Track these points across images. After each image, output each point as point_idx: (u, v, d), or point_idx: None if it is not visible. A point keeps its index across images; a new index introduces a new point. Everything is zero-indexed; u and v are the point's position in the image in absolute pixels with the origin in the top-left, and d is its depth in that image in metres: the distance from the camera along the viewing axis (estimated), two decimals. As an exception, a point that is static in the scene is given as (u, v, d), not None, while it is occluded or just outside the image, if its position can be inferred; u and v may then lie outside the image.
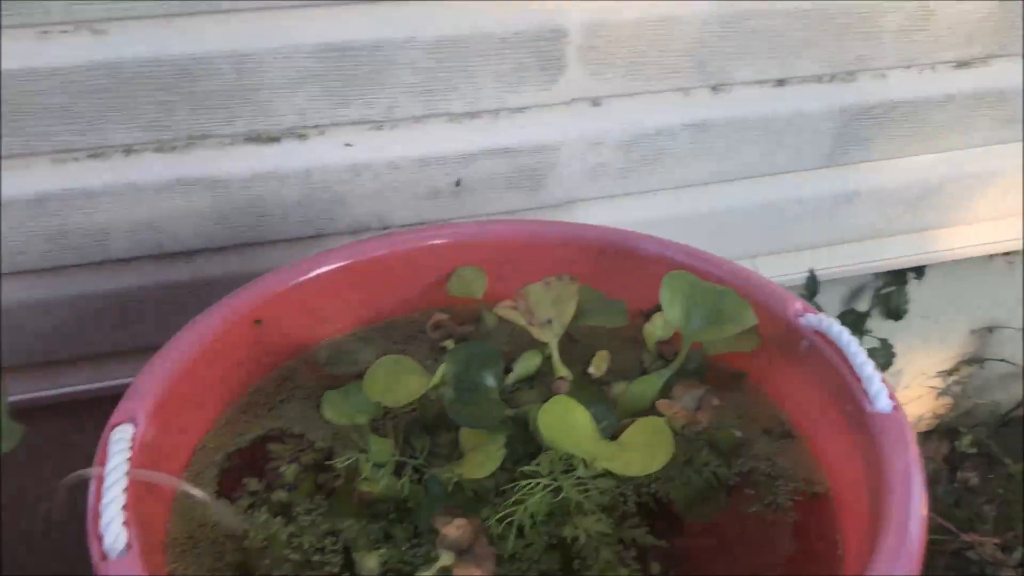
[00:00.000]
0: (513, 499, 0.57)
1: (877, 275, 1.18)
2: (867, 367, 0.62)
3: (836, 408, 0.64)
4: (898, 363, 1.25)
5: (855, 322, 1.17)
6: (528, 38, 0.84)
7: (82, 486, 0.55)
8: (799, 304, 0.69)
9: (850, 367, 0.63)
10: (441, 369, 0.62)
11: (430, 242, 0.75)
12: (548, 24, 0.84)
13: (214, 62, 0.78)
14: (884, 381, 0.61)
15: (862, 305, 1.20)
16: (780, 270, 1.07)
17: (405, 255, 0.75)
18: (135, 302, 0.87)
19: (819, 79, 0.97)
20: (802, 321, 0.68)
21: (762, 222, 1.03)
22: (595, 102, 0.91)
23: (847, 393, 0.62)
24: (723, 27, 0.89)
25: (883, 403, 0.60)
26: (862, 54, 0.96)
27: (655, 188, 0.98)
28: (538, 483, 0.57)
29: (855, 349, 0.63)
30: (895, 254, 1.13)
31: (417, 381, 0.62)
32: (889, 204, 1.07)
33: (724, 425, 0.68)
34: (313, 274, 0.72)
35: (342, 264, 0.73)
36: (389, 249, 0.74)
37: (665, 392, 0.66)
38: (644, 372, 0.71)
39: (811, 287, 1.05)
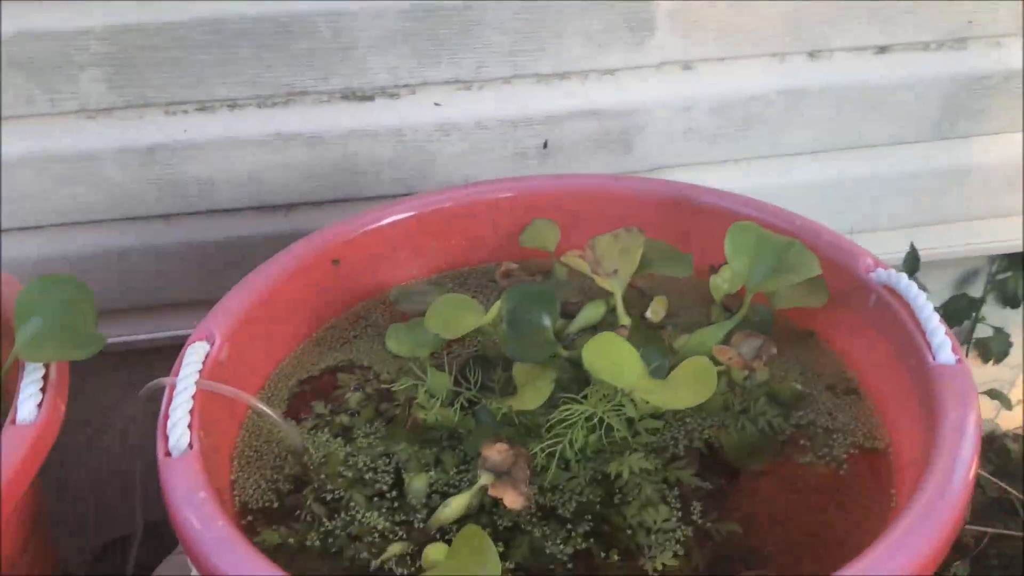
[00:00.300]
0: (551, 423, 0.58)
1: (992, 258, 1.12)
2: (932, 319, 0.60)
3: (901, 363, 0.62)
4: (1017, 355, 1.18)
5: (966, 308, 1.12)
6: (617, -1, 0.85)
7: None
8: (870, 259, 0.67)
9: (916, 321, 0.61)
10: (496, 306, 0.64)
11: (501, 195, 0.77)
12: (637, -15, 0.85)
13: (312, 20, 0.82)
14: (948, 335, 0.59)
15: (975, 290, 1.14)
16: (882, 248, 1.03)
17: (476, 206, 0.77)
18: (238, 251, 0.92)
19: (925, 46, 0.94)
20: (872, 276, 0.66)
21: (862, 196, 1.00)
22: (686, 65, 0.91)
23: (912, 347, 0.61)
24: (819, -10, 0.88)
25: (946, 355, 0.58)
26: (973, 20, 0.92)
27: (748, 156, 0.97)
28: (578, 411, 0.58)
29: (922, 302, 0.61)
30: (1012, 236, 1.07)
31: (473, 316, 0.64)
32: (1004, 181, 1.02)
33: (786, 379, 0.67)
34: (388, 220, 0.75)
35: (414, 213, 0.76)
36: (460, 200, 0.77)
37: (725, 342, 0.66)
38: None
39: (911, 264, 1.01)
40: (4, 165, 0.83)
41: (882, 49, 0.93)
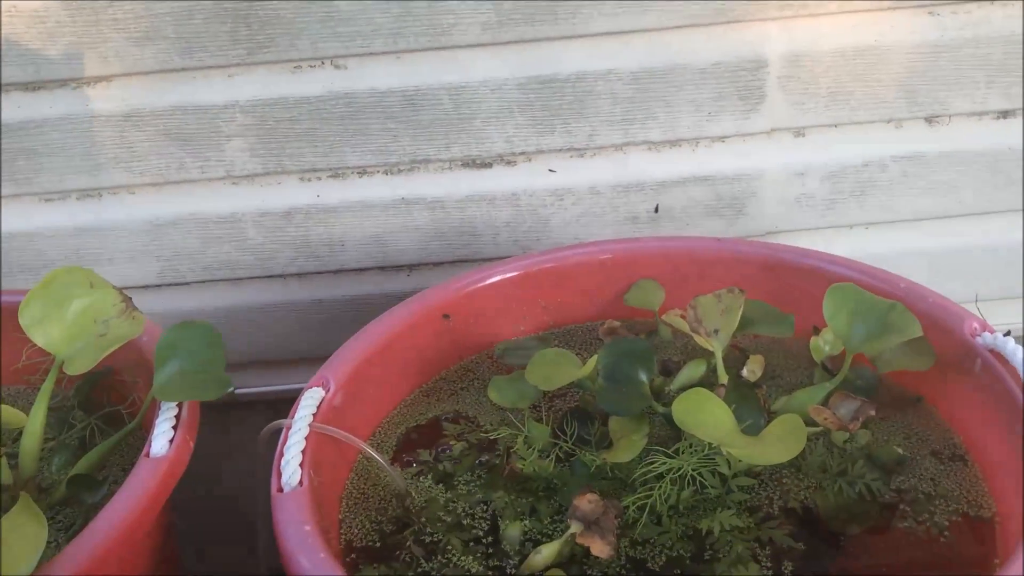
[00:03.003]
0: (644, 477, 0.60)
1: None
2: (1038, 385, 0.59)
3: (1009, 430, 0.60)
4: None
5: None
6: (727, 68, 0.87)
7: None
8: (976, 322, 0.66)
9: None
10: (593, 360, 0.66)
11: (604, 255, 0.80)
12: (748, 54, 0.87)
13: (435, 93, 0.88)
14: (1057, 400, 0.57)
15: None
16: (1008, 317, 1.00)
17: (580, 266, 0.80)
18: (362, 308, 0.98)
19: (1051, 110, 0.92)
20: (979, 340, 0.65)
21: (983, 264, 0.97)
22: (797, 132, 0.92)
23: (1019, 414, 0.59)
24: (934, 56, 0.87)
25: (1052, 422, 0.56)
26: (1102, 83, 0.90)
27: (863, 222, 0.96)
28: (667, 464, 0.59)
29: (1029, 367, 0.60)
30: None
31: (572, 370, 0.66)
32: None
33: (889, 442, 0.66)
34: (496, 279, 0.79)
35: (521, 272, 0.80)
36: (564, 261, 0.81)
37: (824, 404, 0.66)
38: (812, 387, 0.71)
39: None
40: (161, 226, 0.92)
41: (1004, 114, 0.91)
